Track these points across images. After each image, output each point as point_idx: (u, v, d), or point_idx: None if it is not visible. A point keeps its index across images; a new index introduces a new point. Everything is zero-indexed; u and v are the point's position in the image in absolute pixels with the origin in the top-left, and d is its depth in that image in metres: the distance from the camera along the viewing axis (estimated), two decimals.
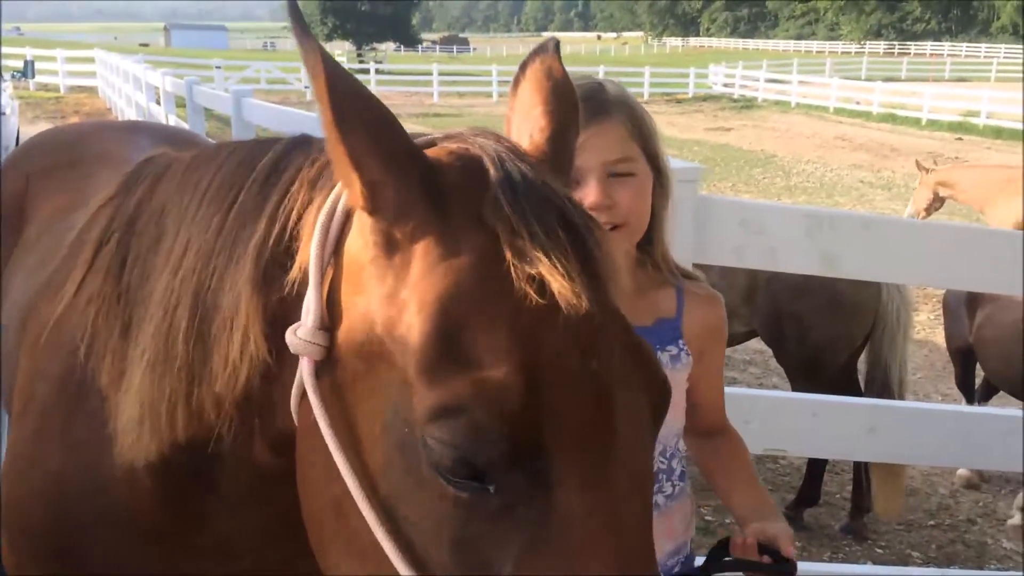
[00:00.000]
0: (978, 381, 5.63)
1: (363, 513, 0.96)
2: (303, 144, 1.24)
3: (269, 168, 1.21)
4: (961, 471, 5.22)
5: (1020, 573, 4.07)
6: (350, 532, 1.00)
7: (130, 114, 16.15)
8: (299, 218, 1.12)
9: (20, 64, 15.58)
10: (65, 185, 2.19)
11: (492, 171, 1.01)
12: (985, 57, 57.13)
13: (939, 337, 7.06)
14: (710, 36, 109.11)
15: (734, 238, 2.23)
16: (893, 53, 70.99)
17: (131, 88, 16.53)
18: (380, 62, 44.21)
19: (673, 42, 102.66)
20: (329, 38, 67.09)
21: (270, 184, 1.18)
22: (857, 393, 4.27)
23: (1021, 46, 62.03)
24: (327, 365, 1.04)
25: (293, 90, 30.76)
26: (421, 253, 0.98)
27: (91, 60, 27.67)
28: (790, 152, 20.82)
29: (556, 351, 0.94)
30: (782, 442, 2.51)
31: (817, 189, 16.22)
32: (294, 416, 1.11)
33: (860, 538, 4.42)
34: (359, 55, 56.20)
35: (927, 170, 9.83)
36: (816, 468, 4.53)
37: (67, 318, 1.45)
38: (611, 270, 1.03)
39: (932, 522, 4.74)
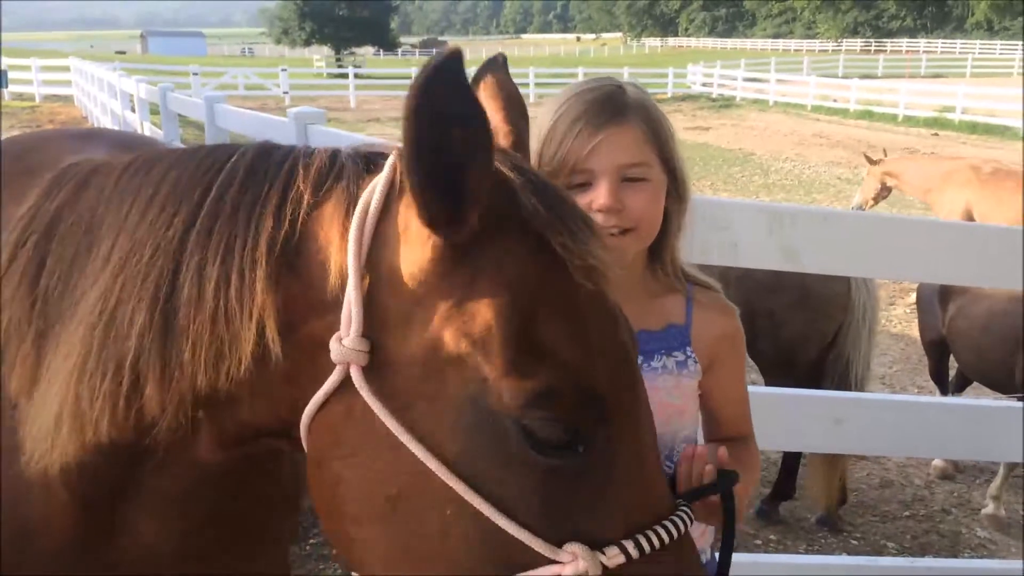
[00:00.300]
0: (953, 373, 5.70)
1: (463, 495, 1.05)
2: (274, 149, 1.24)
3: (247, 170, 1.21)
4: (936, 462, 5.27)
5: (991, 560, 4.12)
6: (416, 525, 1.07)
7: (105, 122, 16.04)
8: (306, 219, 1.14)
9: None
10: (19, 195, 2.17)
11: (514, 177, 1.11)
12: (960, 53, 57.60)
13: (915, 330, 7.14)
14: (688, 36, 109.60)
15: (699, 234, 2.25)
16: (870, 50, 71.48)
17: (106, 96, 16.42)
18: (359, 66, 44.03)
19: (652, 43, 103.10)
20: (307, 43, 66.92)
21: (255, 185, 1.18)
22: (821, 387, 4.31)
23: (996, 42, 62.71)
24: (370, 372, 1.08)
25: (271, 95, 30.67)
26: (481, 263, 1.07)
27: (67, 68, 27.45)
28: (768, 150, 20.93)
29: (604, 330, 1.13)
30: None
31: (795, 187, 16.31)
32: (304, 423, 1.14)
33: (835, 530, 4.46)
34: (338, 60, 55.99)
35: (875, 161, 10.25)
36: (790, 462, 4.57)
37: None
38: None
39: (907, 513, 4.79)
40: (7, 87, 18.80)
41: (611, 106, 1.57)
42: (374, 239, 1.09)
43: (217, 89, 24.96)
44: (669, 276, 1.68)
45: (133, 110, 13.22)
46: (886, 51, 67.86)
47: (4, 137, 2.92)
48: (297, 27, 65.66)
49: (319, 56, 57.26)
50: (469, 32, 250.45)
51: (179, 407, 1.18)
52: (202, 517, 1.41)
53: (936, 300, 5.27)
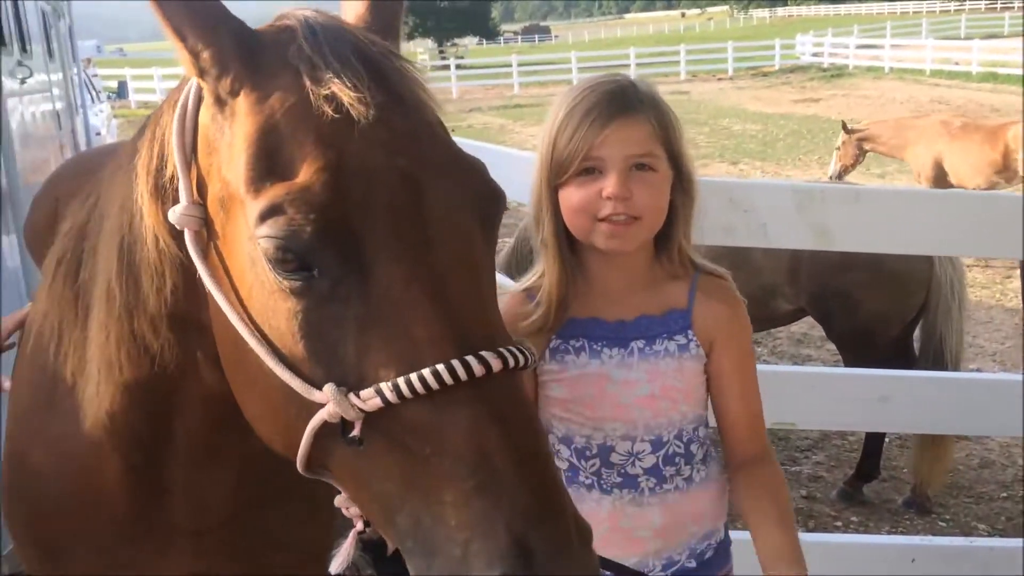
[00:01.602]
0: None
1: (244, 338, 1.13)
2: (175, 88, 1.37)
3: (154, 111, 1.39)
4: None
5: None
6: (247, 370, 1.16)
7: None
8: (165, 136, 1.28)
9: (115, 85, 16.43)
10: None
11: (298, 26, 1.19)
12: None
13: None
14: (799, 5, 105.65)
15: (726, 215, 2.25)
16: (996, 8, 67.33)
17: None
18: (461, 57, 44.59)
19: (760, 14, 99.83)
20: (410, 37, 67.80)
21: (148, 121, 1.37)
22: (913, 366, 4.18)
23: None
24: (206, 234, 1.21)
25: None
26: (242, 100, 1.17)
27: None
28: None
29: (357, 153, 1.10)
30: (788, 415, 2.50)
31: None
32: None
33: (923, 511, 4.33)
34: (440, 51, 56.79)
35: (850, 131, 10.92)
36: (872, 444, 4.46)
37: (40, 330, 1.61)
38: (416, 92, 1.21)
39: (1004, 494, 4.59)
40: (127, 97, 19.94)
41: (623, 99, 1.63)
42: (193, 125, 1.24)
43: None
44: (674, 264, 1.72)
45: None
46: (1013, 7, 63.73)
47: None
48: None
49: (422, 49, 58.30)
50: (571, 15, 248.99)
51: (162, 333, 1.33)
52: (237, 466, 1.55)
53: None
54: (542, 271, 1.70)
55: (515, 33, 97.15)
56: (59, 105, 7.42)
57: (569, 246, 1.69)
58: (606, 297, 1.69)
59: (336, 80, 1.12)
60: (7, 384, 1.75)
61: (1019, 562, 2.70)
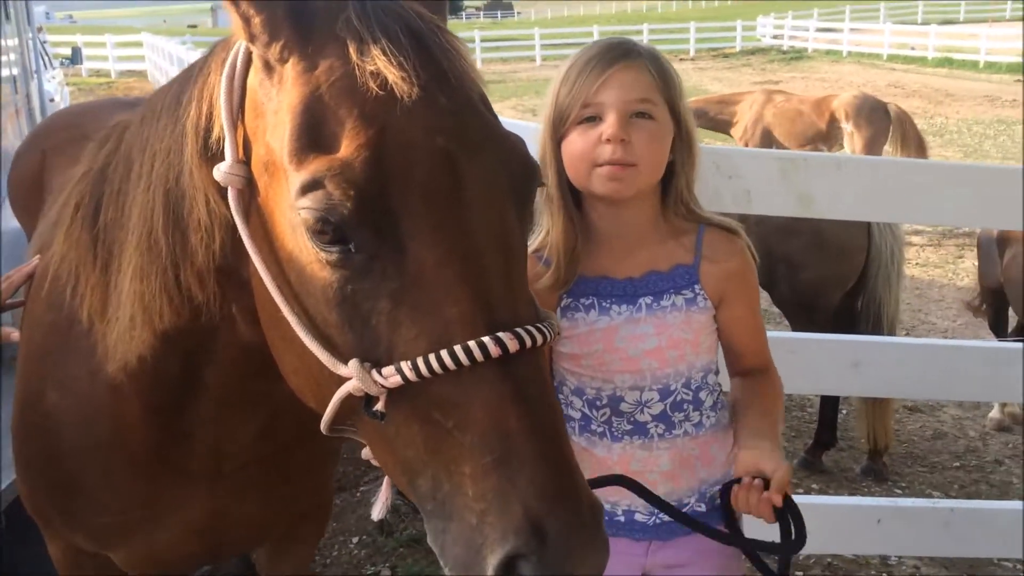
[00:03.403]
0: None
1: (276, 301, 1.16)
2: (221, 44, 1.39)
3: (194, 67, 1.40)
4: (992, 413, 5.21)
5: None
6: (284, 329, 1.18)
7: None
8: (214, 97, 1.29)
9: (68, 52, 15.97)
10: (74, 159, 2.37)
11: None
12: None
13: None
14: None
15: (711, 182, 2.29)
16: None
17: (176, 70, 16.87)
18: None
19: None
20: None
21: (192, 77, 1.37)
22: (856, 331, 4.31)
23: None
24: (250, 194, 1.23)
25: None
26: (290, 68, 1.18)
27: (140, 44, 28.24)
28: None
29: (399, 130, 1.12)
30: None
31: None
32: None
33: (880, 479, 4.47)
34: None
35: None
36: (827, 413, 4.58)
37: (56, 274, 1.63)
38: (462, 71, 1.21)
39: (957, 464, 4.75)
40: (82, 64, 19.44)
41: (622, 48, 1.69)
42: (241, 86, 1.25)
43: None
44: (680, 218, 1.75)
45: None
46: None
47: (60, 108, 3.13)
48: None
49: None
50: None
51: (208, 286, 1.36)
52: (262, 414, 1.59)
53: (994, 247, 5.15)
54: (547, 229, 1.73)
55: (477, 9, 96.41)
56: (15, 71, 7.23)
57: (576, 205, 1.72)
58: (613, 255, 1.74)
59: (382, 56, 1.13)
60: (16, 336, 1.75)
61: (975, 521, 2.82)
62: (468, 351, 1.04)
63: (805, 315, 4.35)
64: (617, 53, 1.67)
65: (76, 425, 1.62)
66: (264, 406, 1.58)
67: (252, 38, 1.20)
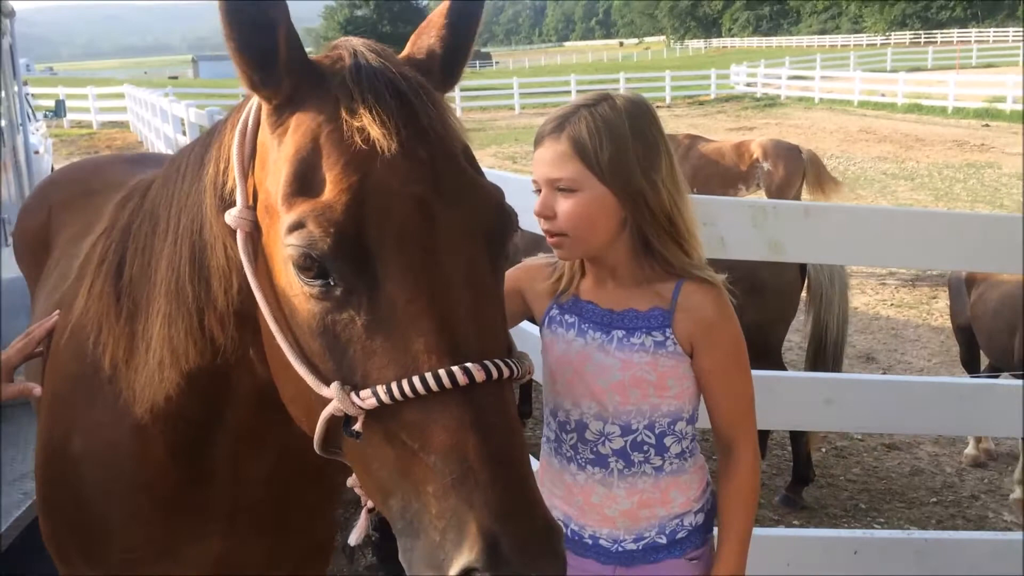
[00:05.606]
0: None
1: (272, 331, 1.29)
2: (235, 108, 1.52)
3: (213, 130, 1.54)
4: (968, 450, 5.33)
5: (989, 532, 4.17)
6: (281, 358, 1.30)
7: (159, 145, 16.66)
8: (228, 154, 1.43)
9: (52, 104, 16.09)
10: (80, 214, 2.48)
11: (347, 59, 1.33)
12: (1012, 42, 56.20)
13: None
14: (732, 36, 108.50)
15: None
16: (919, 43, 70.13)
17: (159, 121, 17.04)
18: None
19: (695, 44, 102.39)
20: None
21: (211, 140, 1.51)
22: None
23: None
24: (256, 237, 1.35)
25: None
26: (292, 122, 1.31)
27: (121, 96, 28.42)
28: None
29: (378, 180, 1.23)
30: None
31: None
32: None
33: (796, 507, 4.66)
34: None
35: None
36: (798, 447, 4.69)
37: (78, 325, 1.72)
38: (443, 127, 1.33)
39: (934, 499, 4.86)
40: (65, 116, 19.56)
41: (554, 124, 1.78)
42: (252, 140, 1.38)
43: None
44: (657, 268, 1.82)
45: (184, 133, 13.71)
46: (936, 43, 66.51)
47: (65, 164, 3.25)
48: None
49: None
50: (512, 42, 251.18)
51: (227, 329, 1.47)
52: (278, 451, 1.69)
53: (963, 286, 5.32)
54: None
55: None
56: (2, 122, 7.34)
57: None
58: (603, 287, 1.85)
59: (368, 114, 1.26)
60: (38, 391, 1.83)
61: (949, 552, 2.92)
62: (437, 378, 1.14)
63: (755, 355, 4.48)
64: (546, 129, 1.77)
65: (102, 468, 1.70)
66: (276, 444, 1.67)
67: (262, 98, 1.35)
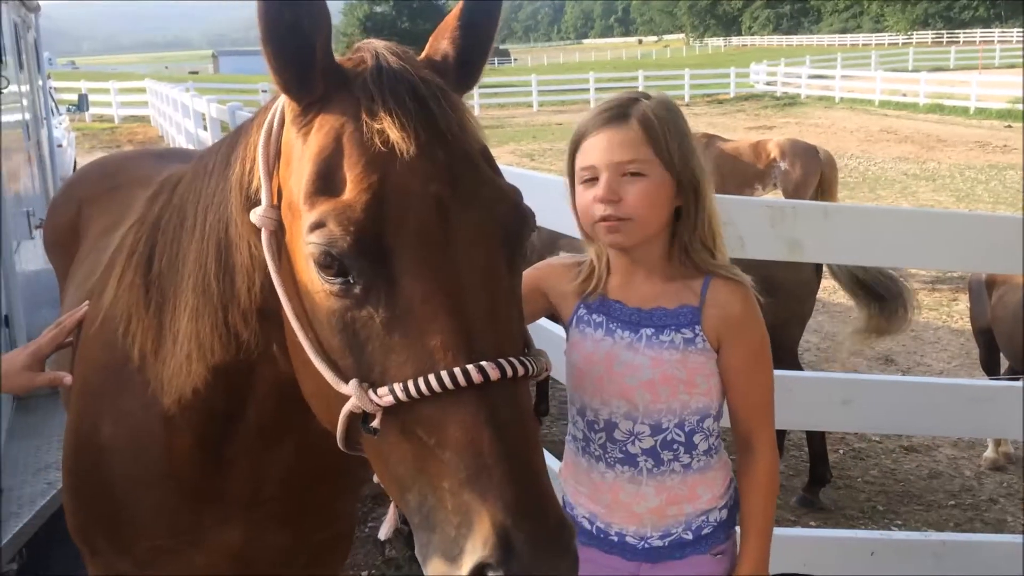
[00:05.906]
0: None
1: (294, 327, 1.32)
2: (261, 109, 1.55)
3: (240, 130, 1.57)
4: (987, 453, 5.30)
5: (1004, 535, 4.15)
6: (302, 355, 1.33)
7: (180, 140, 16.78)
8: (254, 152, 1.45)
9: (75, 98, 16.28)
10: (108, 208, 2.53)
11: (369, 62, 1.36)
12: None
13: None
14: (752, 34, 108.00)
15: None
16: (941, 42, 69.61)
17: (180, 115, 17.18)
18: None
19: (715, 42, 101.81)
20: None
21: (238, 139, 1.54)
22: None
23: None
24: (280, 236, 1.38)
25: None
26: (316, 123, 1.34)
27: (143, 90, 28.66)
28: (833, 147, 20.38)
29: (397, 180, 1.26)
30: None
31: (859, 184, 16.08)
32: None
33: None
34: None
35: None
36: (816, 447, 4.68)
37: (108, 315, 1.76)
38: (461, 128, 1.35)
39: (952, 502, 4.83)
40: (88, 110, 19.77)
41: (615, 111, 1.81)
42: (277, 140, 1.41)
43: None
44: (687, 266, 1.84)
45: (205, 128, 13.81)
46: (959, 42, 66.02)
47: (90, 159, 3.31)
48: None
49: None
50: (531, 39, 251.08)
51: (250, 324, 1.50)
52: (297, 443, 1.71)
53: (983, 289, 5.29)
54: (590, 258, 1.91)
55: None
56: (27, 116, 7.44)
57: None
58: (631, 286, 1.86)
59: (388, 117, 1.28)
60: (68, 380, 1.87)
61: (966, 554, 2.92)
62: (452, 376, 1.16)
63: (772, 355, 4.47)
64: (607, 118, 1.80)
65: (129, 455, 1.74)
66: (297, 437, 1.69)
67: (290, 99, 1.36)
